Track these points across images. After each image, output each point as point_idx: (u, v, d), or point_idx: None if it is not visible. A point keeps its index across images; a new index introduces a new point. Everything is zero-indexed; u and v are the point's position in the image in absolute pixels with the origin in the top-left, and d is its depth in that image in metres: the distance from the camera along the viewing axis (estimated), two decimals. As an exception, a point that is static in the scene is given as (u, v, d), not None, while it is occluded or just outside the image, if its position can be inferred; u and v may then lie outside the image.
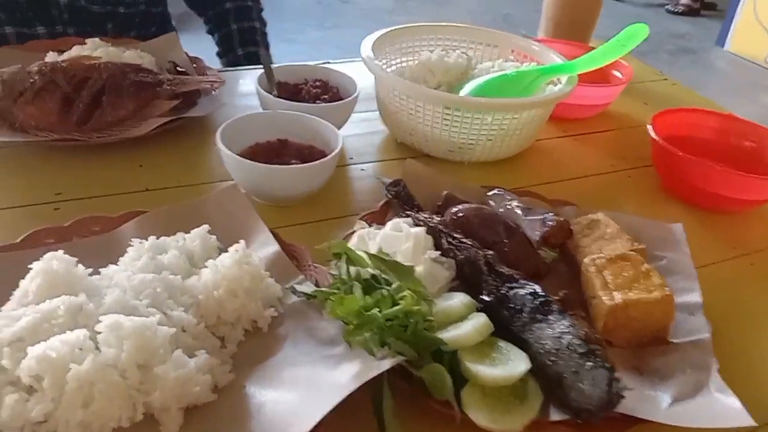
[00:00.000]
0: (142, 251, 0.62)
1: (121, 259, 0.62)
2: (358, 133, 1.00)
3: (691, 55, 4.46)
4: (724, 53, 4.48)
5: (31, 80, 0.83)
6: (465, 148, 0.90)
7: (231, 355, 0.58)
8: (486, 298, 0.61)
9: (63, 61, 0.86)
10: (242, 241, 0.62)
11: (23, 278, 0.58)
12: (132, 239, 0.64)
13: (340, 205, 0.83)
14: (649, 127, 0.91)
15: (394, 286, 0.57)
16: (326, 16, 4.52)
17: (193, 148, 0.91)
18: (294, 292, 0.62)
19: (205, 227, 0.66)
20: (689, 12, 5.13)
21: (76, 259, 0.58)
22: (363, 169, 0.92)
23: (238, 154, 0.78)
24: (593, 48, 0.98)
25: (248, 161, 0.75)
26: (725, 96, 3.46)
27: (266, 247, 0.67)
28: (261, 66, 0.95)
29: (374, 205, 0.78)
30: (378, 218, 0.75)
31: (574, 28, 1.25)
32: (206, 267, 0.61)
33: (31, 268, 0.57)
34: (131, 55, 0.95)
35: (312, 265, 0.66)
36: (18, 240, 0.64)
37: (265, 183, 0.78)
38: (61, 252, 0.58)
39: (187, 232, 0.67)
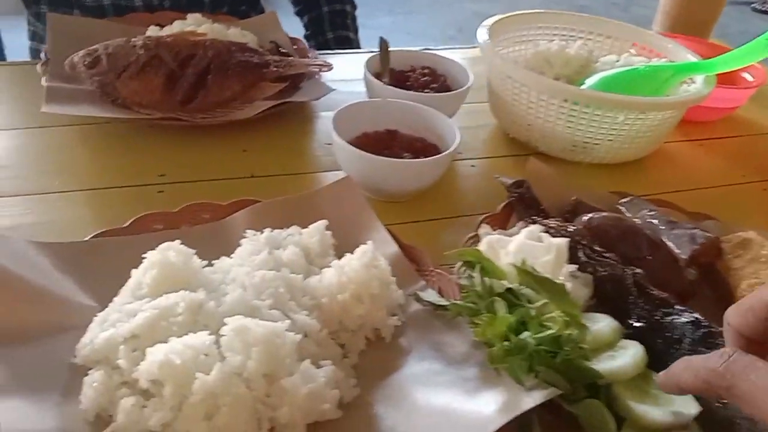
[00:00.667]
0: (259, 245, 0.57)
1: (236, 251, 0.58)
2: (465, 126, 0.93)
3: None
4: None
5: (136, 55, 0.79)
6: (586, 148, 0.83)
7: (353, 365, 0.52)
8: (636, 323, 0.54)
9: (168, 36, 0.82)
10: (370, 243, 0.57)
11: (133, 266, 0.53)
12: (246, 231, 0.60)
13: (451, 204, 0.77)
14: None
15: (537, 304, 0.51)
16: (397, 2, 4.45)
17: (296, 133, 0.86)
18: (419, 300, 0.57)
19: (324, 223, 0.61)
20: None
21: (194, 251, 0.54)
22: (473, 166, 0.85)
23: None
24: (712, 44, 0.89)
25: (365, 153, 0.70)
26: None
27: (384, 248, 0.62)
28: (349, 50, 0.89)
29: (488, 206, 0.71)
30: (499, 222, 0.68)
31: (694, 26, 1.16)
32: (328, 267, 0.56)
33: (144, 257, 0.53)
34: (235, 33, 0.91)
35: (434, 270, 0.61)
36: (126, 224, 0.61)
37: (378, 176, 0.72)
38: (177, 242, 0.53)
39: (302, 226, 0.62)
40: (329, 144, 0.84)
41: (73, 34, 0.91)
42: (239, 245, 0.59)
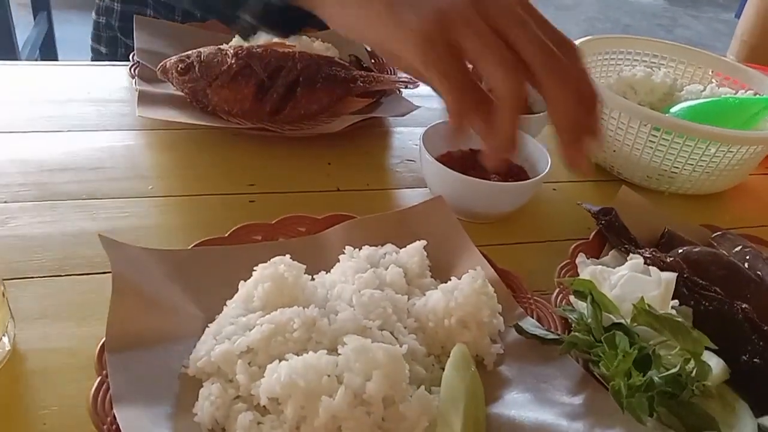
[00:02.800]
0: (361, 262, 0.57)
1: (336, 266, 0.58)
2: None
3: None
4: None
5: (228, 64, 0.80)
6: (671, 177, 0.82)
7: (457, 392, 0.52)
8: (753, 360, 0.53)
9: (258, 47, 0.83)
10: (479, 268, 0.56)
11: (236, 276, 0.54)
12: (345, 246, 0.60)
13: (535, 227, 0.77)
14: None
15: (656, 340, 0.50)
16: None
17: (376, 148, 0.86)
18: (521, 332, 0.56)
19: (422, 243, 0.61)
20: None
21: (305, 266, 0.54)
22: (555, 189, 0.85)
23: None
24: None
25: (458, 174, 0.70)
26: None
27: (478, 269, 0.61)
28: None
29: (573, 231, 0.71)
30: (592, 250, 0.68)
31: (775, 55, 1.14)
32: (431, 289, 0.56)
33: (254, 269, 0.53)
34: (320, 46, 0.92)
35: (532, 297, 0.60)
36: (227, 234, 0.61)
37: (469, 197, 0.72)
38: (288, 257, 0.54)
39: (396, 243, 0.62)
40: (410, 161, 0.84)
41: (159, 37, 0.93)
42: (337, 260, 0.59)
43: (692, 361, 0.48)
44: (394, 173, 0.83)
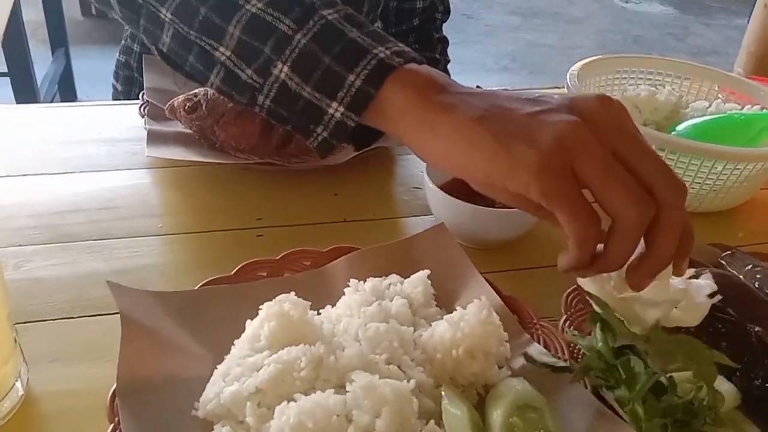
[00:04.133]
0: (366, 295, 0.57)
1: (341, 300, 0.59)
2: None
3: None
4: None
5: (234, 100, 0.82)
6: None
7: (465, 424, 0.52)
8: (767, 384, 0.52)
9: (263, 82, 0.85)
10: (484, 298, 0.56)
11: (242, 314, 0.55)
12: (350, 279, 0.60)
13: (540, 253, 0.76)
14: None
15: (672, 366, 0.50)
16: (449, 31, 4.49)
17: (382, 177, 0.87)
18: (531, 361, 0.56)
19: (426, 272, 0.61)
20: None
21: (309, 303, 0.54)
22: (561, 212, 0.85)
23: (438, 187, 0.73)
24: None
25: (462, 202, 0.70)
26: None
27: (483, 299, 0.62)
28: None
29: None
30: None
31: (782, 66, 1.14)
32: (437, 320, 0.57)
33: (260, 308, 0.54)
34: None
35: (538, 322, 0.60)
36: (232, 272, 0.62)
37: (473, 224, 0.73)
38: (293, 294, 0.54)
39: (400, 273, 0.62)
40: (416, 188, 0.85)
41: (169, 75, 0.95)
42: (342, 293, 0.59)
43: (704, 388, 0.48)
44: (400, 201, 0.83)
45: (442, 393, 0.50)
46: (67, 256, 0.68)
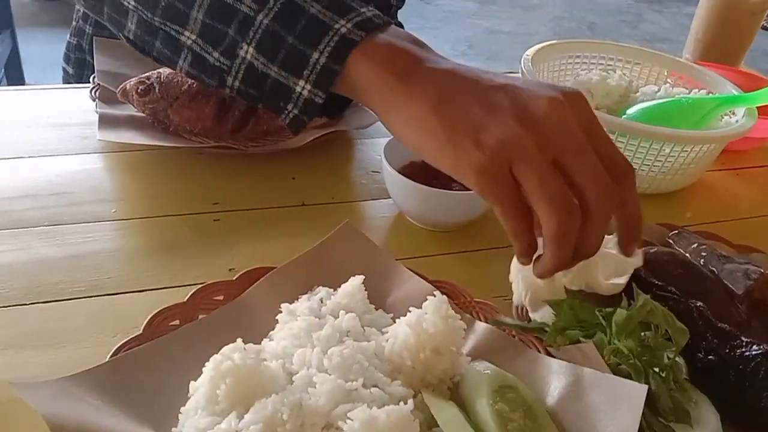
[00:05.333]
0: (307, 318, 0.54)
1: (280, 330, 0.55)
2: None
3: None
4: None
5: (188, 83, 0.81)
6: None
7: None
8: (709, 357, 0.55)
9: (218, 65, 0.83)
10: (437, 292, 0.55)
11: (176, 376, 0.50)
12: (279, 305, 0.57)
13: (497, 235, 0.76)
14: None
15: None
16: (409, 17, 4.48)
17: (341, 161, 0.87)
18: (499, 324, 0.57)
19: (360, 278, 0.58)
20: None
21: (260, 347, 0.51)
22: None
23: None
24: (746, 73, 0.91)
25: (420, 185, 0.71)
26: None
27: (415, 289, 0.61)
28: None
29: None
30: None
31: (727, 52, 1.17)
32: (389, 325, 0.55)
33: (204, 367, 0.48)
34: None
35: (474, 300, 0.61)
36: (140, 331, 0.53)
37: (430, 207, 0.73)
38: (240, 341, 0.49)
39: (323, 283, 0.60)
40: (375, 172, 0.85)
41: (121, 58, 0.93)
42: (275, 321, 0.56)
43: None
44: (359, 185, 0.83)
45: (425, 400, 0.49)
46: (18, 242, 0.66)
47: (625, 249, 0.55)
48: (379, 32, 0.55)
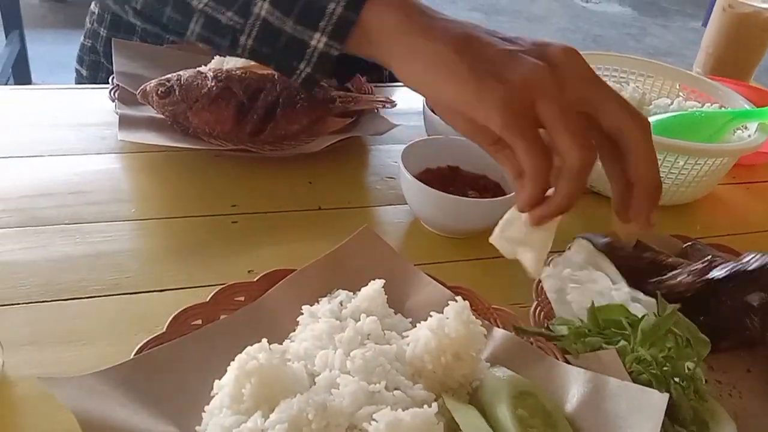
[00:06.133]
0: (331, 321, 0.54)
1: (301, 332, 0.55)
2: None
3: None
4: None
5: (208, 87, 0.81)
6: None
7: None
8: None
9: (237, 69, 0.84)
10: (459, 298, 0.55)
11: (200, 374, 0.51)
12: (300, 306, 0.58)
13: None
14: None
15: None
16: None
17: (356, 166, 0.88)
18: (522, 332, 0.57)
19: (381, 282, 0.58)
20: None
21: (284, 348, 0.52)
22: (530, 204, 0.87)
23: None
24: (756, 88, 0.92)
25: (437, 191, 0.71)
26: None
27: (433, 294, 0.61)
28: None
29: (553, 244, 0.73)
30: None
31: (738, 67, 1.18)
32: (411, 328, 0.55)
33: (228, 367, 0.48)
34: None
35: (492, 307, 0.62)
36: (164, 329, 0.54)
37: (447, 213, 0.74)
38: (265, 341, 0.49)
39: (343, 286, 0.60)
40: (390, 178, 0.86)
41: (138, 59, 0.94)
42: (295, 323, 0.57)
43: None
44: (374, 190, 0.84)
45: (446, 404, 0.49)
46: (39, 240, 0.67)
47: (641, 216, 0.53)
48: None
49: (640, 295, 0.63)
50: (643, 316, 0.54)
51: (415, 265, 0.65)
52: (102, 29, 1.13)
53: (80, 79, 1.20)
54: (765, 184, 1.01)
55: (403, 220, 0.79)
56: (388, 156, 0.91)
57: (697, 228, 0.86)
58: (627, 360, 0.51)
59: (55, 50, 3.08)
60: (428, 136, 0.88)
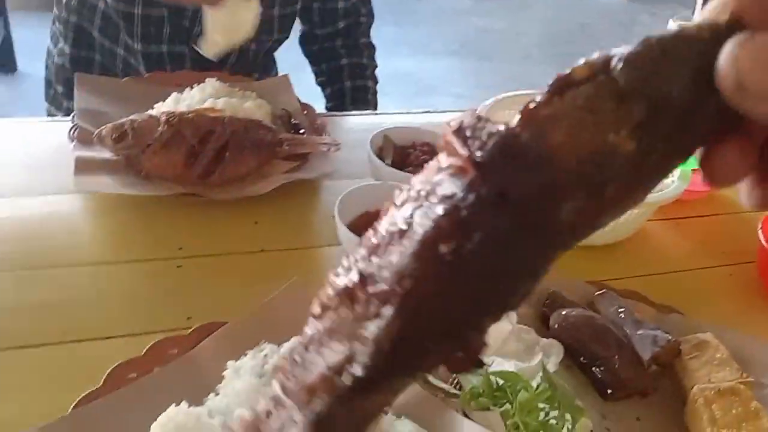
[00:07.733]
0: (249, 378, 0.59)
1: (225, 387, 0.60)
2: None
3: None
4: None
5: (160, 131, 0.86)
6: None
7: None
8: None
9: (189, 113, 0.89)
10: None
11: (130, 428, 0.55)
12: (226, 362, 0.62)
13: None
14: (759, 233, 0.89)
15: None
16: (403, 12, 4.49)
17: (303, 206, 0.93)
18: (427, 385, 0.63)
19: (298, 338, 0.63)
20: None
21: (202, 410, 0.56)
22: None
23: (348, 223, 0.80)
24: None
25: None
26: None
27: None
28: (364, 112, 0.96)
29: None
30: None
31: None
32: None
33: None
34: (251, 105, 0.98)
35: None
36: (101, 383, 0.59)
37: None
38: (184, 405, 0.55)
39: (272, 341, 0.64)
40: (334, 217, 0.91)
41: (100, 94, 0.98)
42: (221, 377, 0.60)
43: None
44: (318, 231, 0.89)
45: None
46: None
47: None
48: None
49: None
50: (521, 388, 0.60)
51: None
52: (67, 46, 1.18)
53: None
54: (695, 219, 1.07)
55: (340, 262, 0.85)
56: (333, 194, 0.95)
57: (620, 269, 0.91)
58: (507, 426, 0.57)
59: (40, 33, 3.09)
60: (372, 177, 0.93)
